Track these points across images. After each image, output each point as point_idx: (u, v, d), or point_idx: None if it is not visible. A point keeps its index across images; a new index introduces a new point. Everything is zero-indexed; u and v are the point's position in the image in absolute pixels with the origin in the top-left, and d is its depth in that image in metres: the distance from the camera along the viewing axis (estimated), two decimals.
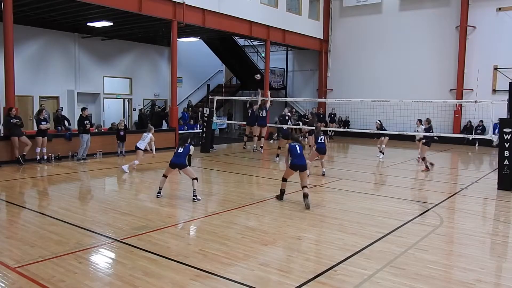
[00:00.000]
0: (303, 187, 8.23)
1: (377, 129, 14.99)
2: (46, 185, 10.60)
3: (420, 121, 14.43)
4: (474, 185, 10.98)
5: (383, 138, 15.31)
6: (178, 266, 5.16)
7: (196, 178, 8.63)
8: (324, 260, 5.45)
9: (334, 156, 14.98)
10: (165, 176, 8.83)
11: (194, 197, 8.49)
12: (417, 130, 14.10)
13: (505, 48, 20.41)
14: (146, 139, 11.95)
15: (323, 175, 11.63)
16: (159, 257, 5.40)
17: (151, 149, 12.19)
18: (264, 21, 21.23)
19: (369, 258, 5.53)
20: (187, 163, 8.72)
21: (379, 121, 15.35)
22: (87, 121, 13.72)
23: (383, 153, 15.48)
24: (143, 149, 11.94)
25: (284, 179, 8.64)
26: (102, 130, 17.67)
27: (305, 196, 8.08)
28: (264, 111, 14.36)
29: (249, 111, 14.91)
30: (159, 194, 8.74)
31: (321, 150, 11.50)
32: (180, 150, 8.69)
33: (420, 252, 5.79)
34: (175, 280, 4.73)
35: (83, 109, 14.08)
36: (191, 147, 8.95)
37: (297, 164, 8.28)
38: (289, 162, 8.52)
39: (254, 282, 4.74)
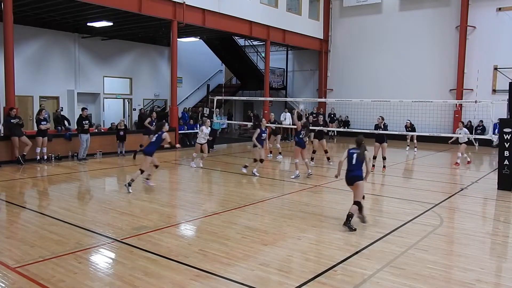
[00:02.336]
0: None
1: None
2: (46, 185, 10.60)
3: (462, 123, 15.01)
4: (474, 185, 10.98)
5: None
6: (178, 266, 5.16)
7: (156, 166, 9.56)
8: (324, 260, 5.45)
9: (334, 156, 14.95)
10: (141, 170, 9.29)
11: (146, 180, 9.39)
12: (459, 133, 14.12)
13: (505, 48, 20.41)
14: (203, 132, 12.76)
15: (309, 176, 11.36)
16: (159, 257, 5.40)
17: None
18: (264, 21, 21.23)
19: (369, 258, 5.52)
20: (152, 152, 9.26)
21: (409, 120, 16.18)
22: (86, 121, 13.71)
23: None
24: (203, 142, 12.80)
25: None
26: (102, 130, 17.66)
27: (348, 216, 6.75)
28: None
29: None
30: (129, 186, 9.11)
31: (299, 144, 11.39)
32: (153, 139, 9.18)
33: (420, 252, 5.79)
34: (175, 280, 4.73)
35: (83, 109, 14.12)
36: (164, 134, 9.28)
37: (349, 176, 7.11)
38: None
39: (254, 282, 4.74)
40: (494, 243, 6.45)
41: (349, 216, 6.69)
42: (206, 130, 12.90)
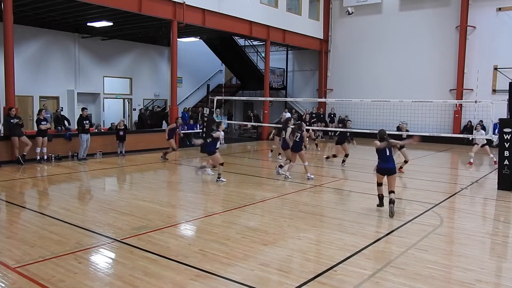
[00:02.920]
0: (389, 192, 7.67)
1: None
2: (46, 185, 10.60)
3: (481, 125, 15.04)
4: (474, 185, 10.98)
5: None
6: (178, 266, 5.16)
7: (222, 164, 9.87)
8: (324, 260, 5.45)
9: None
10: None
11: None
12: (476, 135, 14.03)
13: (505, 48, 20.41)
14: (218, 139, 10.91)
15: (284, 178, 11.15)
16: (159, 257, 5.40)
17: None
18: (264, 21, 21.24)
19: (369, 258, 5.53)
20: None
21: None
22: (87, 121, 13.75)
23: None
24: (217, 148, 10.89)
25: (379, 184, 8.12)
26: (102, 130, 17.66)
27: (390, 202, 7.55)
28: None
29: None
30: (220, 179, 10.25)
31: (284, 146, 11.73)
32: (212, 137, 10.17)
33: (420, 252, 5.79)
34: (175, 280, 4.73)
35: (83, 109, 14.13)
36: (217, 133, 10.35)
37: (384, 168, 7.85)
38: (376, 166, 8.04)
39: (254, 282, 4.74)
40: (494, 243, 6.45)
41: (391, 201, 7.54)
42: (222, 134, 11.33)
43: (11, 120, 12.40)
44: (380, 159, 7.86)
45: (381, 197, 8.09)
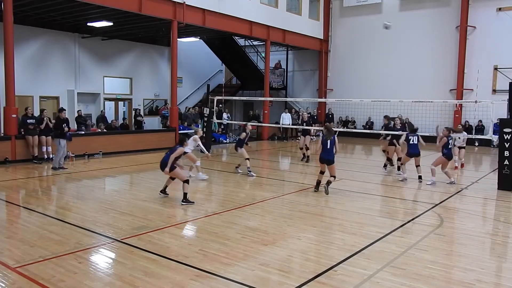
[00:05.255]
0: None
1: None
2: (46, 185, 10.60)
3: (462, 125, 14.23)
4: (474, 185, 10.98)
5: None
6: (178, 266, 5.16)
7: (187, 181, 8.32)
8: (324, 260, 5.45)
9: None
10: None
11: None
12: (459, 137, 13.13)
13: (505, 48, 20.42)
14: (191, 144, 10.87)
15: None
16: (159, 257, 5.40)
17: (201, 151, 11.54)
18: (264, 21, 21.23)
19: (369, 258, 5.52)
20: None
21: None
22: (65, 124, 12.27)
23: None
24: (189, 151, 10.74)
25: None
26: (105, 130, 17.65)
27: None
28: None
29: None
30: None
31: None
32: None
33: (420, 252, 5.79)
34: (175, 280, 4.73)
35: (61, 110, 12.74)
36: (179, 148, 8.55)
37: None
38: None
39: (254, 282, 4.74)
40: (494, 243, 6.45)
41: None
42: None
43: (27, 121, 12.92)
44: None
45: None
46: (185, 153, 10.23)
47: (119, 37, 21.69)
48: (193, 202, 8.26)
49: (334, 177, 9.40)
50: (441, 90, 21.85)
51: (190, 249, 5.77)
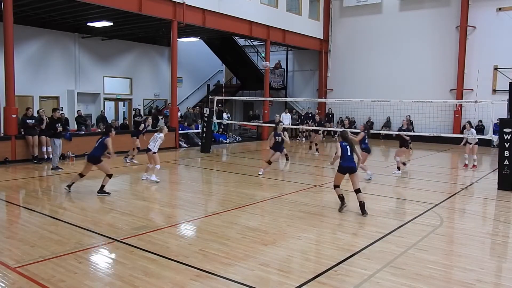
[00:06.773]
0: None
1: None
2: (46, 185, 10.60)
3: (469, 123, 14.26)
4: (474, 185, 10.98)
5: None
6: (178, 266, 5.16)
7: (110, 175, 8.95)
8: (324, 260, 5.45)
9: (334, 156, 14.92)
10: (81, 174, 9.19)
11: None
12: (467, 133, 13.33)
13: (505, 48, 20.41)
14: (157, 141, 10.63)
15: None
16: (159, 257, 5.40)
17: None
18: (264, 21, 21.24)
19: (369, 258, 5.52)
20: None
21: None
22: (59, 124, 12.10)
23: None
24: (156, 151, 10.61)
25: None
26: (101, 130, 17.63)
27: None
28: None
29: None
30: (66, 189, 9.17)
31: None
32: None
33: (420, 252, 5.79)
34: (175, 280, 4.73)
35: (54, 110, 12.47)
36: (107, 139, 9.13)
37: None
38: None
39: (254, 282, 4.74)
40: (494, 243, 6.45)
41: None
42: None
43: (27, 121, 12.94)
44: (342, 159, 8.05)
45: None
46: (153, 152, 10.56)
47: (119, 37, 21.71)
48: (109, 193, 8.83)
49: (359, 189, 7.91)
50: (441, 90, 21.85)
51: (190, 249, 5.77)
